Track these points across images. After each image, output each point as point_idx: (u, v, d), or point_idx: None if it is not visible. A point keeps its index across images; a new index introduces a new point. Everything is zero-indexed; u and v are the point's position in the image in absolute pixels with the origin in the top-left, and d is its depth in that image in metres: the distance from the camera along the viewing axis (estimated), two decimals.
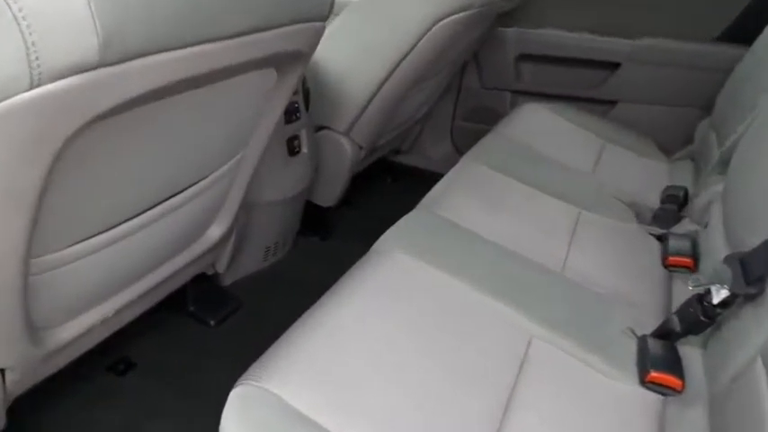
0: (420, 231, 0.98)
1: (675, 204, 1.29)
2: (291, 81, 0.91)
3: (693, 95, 1.66)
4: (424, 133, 2.10)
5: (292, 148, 1.30)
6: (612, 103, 1.80)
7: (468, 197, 1.11)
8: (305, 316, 0.77)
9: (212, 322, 1.28)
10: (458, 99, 2.00)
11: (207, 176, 0.95)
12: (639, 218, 1.29)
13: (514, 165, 1.29)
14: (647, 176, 1.45)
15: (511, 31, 1.80)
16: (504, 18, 1.73)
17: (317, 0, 0.79)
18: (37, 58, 0.46)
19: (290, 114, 1.27)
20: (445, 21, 1.23)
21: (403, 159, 2.16)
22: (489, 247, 0.98)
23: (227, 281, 1.39)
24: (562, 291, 0.93)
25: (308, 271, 1.48)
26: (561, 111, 1.68)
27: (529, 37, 1.79)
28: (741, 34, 1.59)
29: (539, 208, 1.14)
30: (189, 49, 0.60)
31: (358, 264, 0.89)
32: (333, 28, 1.37)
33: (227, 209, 1.09)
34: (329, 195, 1.58)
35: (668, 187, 1.36)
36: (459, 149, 2.09)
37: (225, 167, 0.98)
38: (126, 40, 0.52)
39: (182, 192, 0.91)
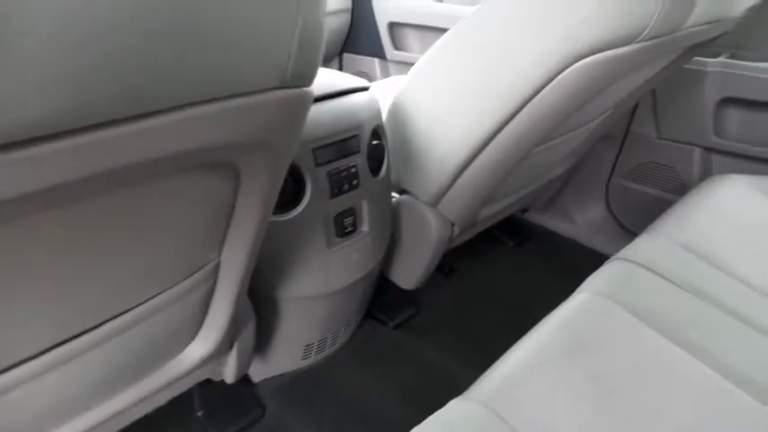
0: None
1: None
2: (266, 177, 0.54)
3: None
4: (566, 189, 1.58)
5: (342, 227, 0.94)
6: None
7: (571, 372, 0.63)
8: None
9: None
10: (621, 150, 1.45)
11: (148, 300, 0.63)
12: None
13: (663, 300, 0.76)
14: None
15: (714, 64, 1.20)
16: (710, 41, 1.16)
17: (270, 47, 0.41)
18: None
19: (341, 183, 0.90)
20: (585, 61, 0.75)
21: (534, 218, 1.67)
22: None
23: (257, 378, 1.09)
24: None
25: (359, 380, 1.11)
26: None
27: (743, 73, 1.18)
28: None
29: (719, 409, 0.62)
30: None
31: None
32: (424, 61, 0.97)
33: (210, 323, 0.77)
34: (409, 277, 1.19)
35: None
36: (616, 215, 1.53)
37: (187, 281, 0.66)
38: None
39: (106, 322, 0.60)
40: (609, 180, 1.50)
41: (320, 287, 0.95)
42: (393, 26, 1.92)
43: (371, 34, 2.00)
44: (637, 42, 0.72)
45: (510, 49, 0.82)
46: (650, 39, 0.72)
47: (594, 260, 0.94)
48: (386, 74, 2.06)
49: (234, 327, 0.82)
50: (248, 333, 0.88)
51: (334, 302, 1.02)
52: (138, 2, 0.32)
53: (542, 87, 0.81)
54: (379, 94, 1.19)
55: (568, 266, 1.48)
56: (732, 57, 1.21)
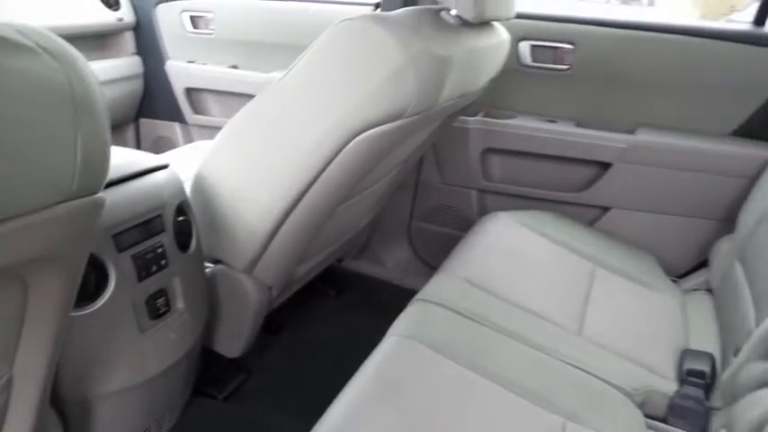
0: None
1: (701, 388, 0.91)
2: (57, 285, 0.53)
3: (706, 205, 1.31)
4: (375, 236, 1.72)
5: (155, 309, 0.91)
6: (604, 208, 1.44)
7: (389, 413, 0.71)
8: None
9: None
10: (415, 197, 1.64)
11: None
12: (647, 407, 0.91)
13: (455, 333, 0.90)
14: (658, 328, 1.07)
15: (474, 122, 1.45)
16: (468, 106, 1.39)
17: (50, 168, 0.42)
18: None
19: (149, 265, 0.88)
20: (365, 135, 0.87)
21: (350, 266, 1.78)
22: None
23: None
24: None
25: None
26: (536, 221, 1.31)
27: (496, 128, 1.44)
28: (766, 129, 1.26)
29: (482, 418, 0.75)
30: None
31: None
32: (226, 131, 1.01)
33: None
34: (233, 345, 1.18)
35: (687, 353, 0.98)
36: (419, 254, 1.71)
37: None
38: None
39: None
40: (409, 224, 1.68)
41: (137, 375, 0.91)
42: (190, 91, 1.92)
43: (168, 99, 1.97)
44: (403, 118, 0.86)
45: (303, 124, 0.90)
46: (413, 115, 0.86)
47: (408, 298, 1.06)
48: (188, 138, 2.04)
49: None
50: (78, 423, 0.80)
51: (154, 388, 0.98)
52: None
53: (332, 159, 0.91)
54: (182, 161, 1.19)
55: (385, 308, 1.59)
56: (487, 115, 1.46)
